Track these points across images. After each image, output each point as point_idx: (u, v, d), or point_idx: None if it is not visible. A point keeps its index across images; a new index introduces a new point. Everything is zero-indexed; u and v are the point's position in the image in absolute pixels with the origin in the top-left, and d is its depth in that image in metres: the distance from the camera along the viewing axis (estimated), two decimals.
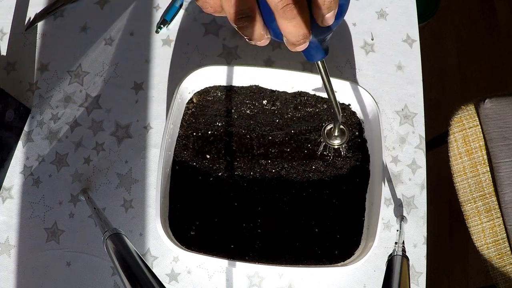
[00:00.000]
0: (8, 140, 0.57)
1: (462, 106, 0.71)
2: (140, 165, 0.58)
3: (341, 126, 0.49)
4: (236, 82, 0.57)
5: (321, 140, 0.51)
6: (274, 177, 0.55)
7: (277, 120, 0.57)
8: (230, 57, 0.63)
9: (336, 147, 0.50)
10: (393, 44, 0.64)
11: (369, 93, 0.54)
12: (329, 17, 0.29)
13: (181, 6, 0.65)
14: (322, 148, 0.54)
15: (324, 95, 0.57)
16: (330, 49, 0.64)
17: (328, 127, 0.50)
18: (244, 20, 0.28)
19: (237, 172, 0.55)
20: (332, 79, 0.55)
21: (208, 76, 0.56)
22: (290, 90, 0.58)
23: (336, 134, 0.49)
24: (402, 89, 0.62)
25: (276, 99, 0.58)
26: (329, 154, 0.55)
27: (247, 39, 0.30)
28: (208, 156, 0.55)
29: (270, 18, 0.29)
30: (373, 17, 0.65)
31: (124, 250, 0.39)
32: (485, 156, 0.70)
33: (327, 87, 0.39)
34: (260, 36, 0.30)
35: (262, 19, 0.29)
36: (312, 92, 0.58)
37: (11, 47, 0.63)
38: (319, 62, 0.36)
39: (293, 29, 0.28)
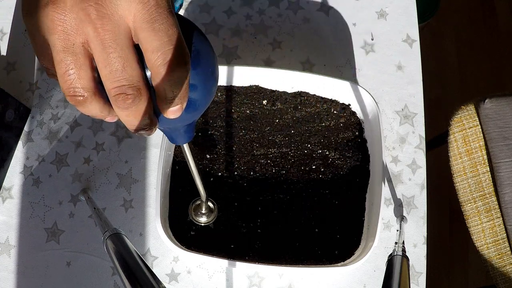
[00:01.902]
0: (8, 140, 0.57)
1: (462, 106, 0.71)
2: (140, 165, 0.58)
3: (209, 204, 0.47)
4: (236, 82, 0.57)
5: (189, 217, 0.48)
6: (274, 177, 0.55)
7: (277, 120, 0.57)
8: (230, 57, 0.63)
9: (203, 225, 0.48)
10: (393, 44, 0.64)
11: (369, 93, 0.54)
12: (174, 111, 0.27)
13: (181, 6, 0.65)
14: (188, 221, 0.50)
15: (324, 95, 0.57)
16: (330, 49, 0.64)
17: (197, 202, 0.47)
18: (78, 99, 0.25)
19: (237, 172, 0.55)
20: (332, 79, 0.55)
21: None
22: (290, 90, 0.58)
23: (203, 211, 0.47)
24: (402, 89, 0.62)
25: (276, 99, 0.58)
26: None
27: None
28: (208, 156, 0.55)
29: None
30: (373, 17, 0.65)
31: (124, 250, 0.39)
32: (485, 156, 0.70)
33: (192, 169, 0.39)
34: (103, 116, 0.27)
35: (105, 99, 0.26)
36: (312, 92, 0.58)
37: (11, 47, 0.63)
38: (183, 145, 0.35)
39: (126, 118, 0.26)
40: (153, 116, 0.27)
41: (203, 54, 0.28)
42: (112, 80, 0.24)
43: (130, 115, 0.26)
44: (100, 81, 0.25)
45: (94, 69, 0.25)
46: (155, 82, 0.25)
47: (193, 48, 0.27)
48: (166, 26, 0.24)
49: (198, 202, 0.47)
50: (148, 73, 0.25)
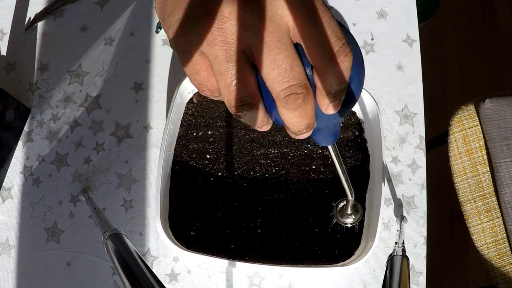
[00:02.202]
0: (8, 140, 0.57)
1: (462, 106, 0.71)
2: (140, 165, 0.58)
3: (355, 203, 0.46)
4: None
5: (333, 217, 0.49)
6: (274, 177, 0.55)
7: None
8: None
9: (349, 226, 0.48)
10: (393, 44, 0.64)
11: (369, 93, 0.54)
12: (335, 106, 0.26)
13: None
14: (333, 225, 0.51)
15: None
16: None
17: (341, 204, 0.47)
18: (244, 108, 0.25)
19: (237, 172, 0.55)
20: None
21: None
22: None
23: (349, 212, 0.47)
24: (402, 89, 0.62)
25: None
26: (341, 230, 0.52)
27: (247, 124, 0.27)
28: (208, 156, 0.55)
29: (272, 105, 0.26)
30: (373, 17, 0.65)
31: (124, 250, 0.39)
32: (485, 156, 0.70)
33: (339, 169, 0.37)
34: (262, 124, 0.27)
35: (264, 105, 0.26)
36: None
37: (11, 47, 0.63)
38: (329, 146, 0.33)
39: (295, 119, 0.25)
40: (314, 115, 0.26)
41: (352, 43, 0.27)
42: (282, 82, 0.24)
43: (299, 115, 0.25)
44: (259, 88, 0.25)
45: (255, 76, 0.25)
46: (321, 76, 0.24)
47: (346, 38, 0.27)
48: (327, 19, 0.24)
49: (343, 203, 0.47)
50: (308, 71, 0.25)
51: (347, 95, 0.27)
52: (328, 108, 0.26)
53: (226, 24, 0.23)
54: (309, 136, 0.28)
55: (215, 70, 0.24)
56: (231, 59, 0.23)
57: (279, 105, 0.25)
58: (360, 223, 0.53)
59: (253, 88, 0.25)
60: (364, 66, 0.29)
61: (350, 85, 0.27)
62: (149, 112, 0.60)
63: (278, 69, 0.23)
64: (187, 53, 0.25)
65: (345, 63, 0.24)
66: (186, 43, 0.24)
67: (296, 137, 0.27)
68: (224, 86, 0.24)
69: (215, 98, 0.27)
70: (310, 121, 0.26)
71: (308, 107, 0.25)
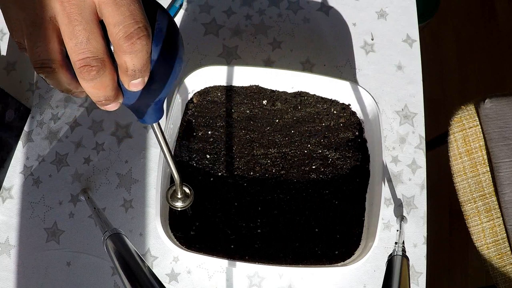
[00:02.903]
0: (8, 140, 0.57)
1: (462, 106, 0.71)
2: (140, 165, 0.58)
3: (184, 188, 0.45)
4: (236, 82, 0.57)
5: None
6: (274, 177, 0.55)
7: (277, 120, 0.57)
8: (230, 57, 0.63)
9: (179, 209, 0.46)
10: (393, 44, 0.64)
11: (369, 93, 0.54)
12: (136, 84, 0.27)
13: (181, 6, 0.65)
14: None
15: (324, 95, 0.57)
16: (330, 49, 0.64)
17: (173, 188, 0.45)
18: (44, 71, 0.26)
19: (237, 172, 0.55)
20: (332, 79, 0.55)
21: (208, 76, 0.56)
22: (290, 90, 0.58)
23: (179, 196, 0.45)
24: (402, 89, 0.62)
25: (276, 99, 0.58)
26: None
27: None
28: (208, 156, 0.55)
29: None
30: (373, 17, 0.65)
31: (124, 250, 0.39)
32: (485, 156, 0.70)
33: (164, 150, 0.38)
34: (67, 90, 0.28)
35: (71, 72, 0.27)
36: (312, 92, 0.58)
37: (11, 47, 0.63)
38: (153, 124, 0.34)
39: (92, 90, 0.27)
40: (117, 89, 0.28)
41: (167, 32, 0.29)
42: (77, 52, 0.25)
43: (95, 87, 0.27)
44: (67, 56, 0.26)
45: (61, 43, 0.26)
46: (116, 55, 0.26)
47: (157, 26, 0.28)
48: (128, 1, 0.26)
49: (174, 188, 0.45)
50: (113, 48, 0.27)
51: (152, 78, 0.28)
52: (130, 86, 0.28)
53: None
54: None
55: (24, 32, 0.26)
56: (36, 24, 0.26)
57: (77, 74, 0.26)
58: (360, 223, 0.53)
59: (55, 53, 0.26)
60: (179, 55, 0.30)
61: (156, 68, 0.28)
62: None
63: (75, 40, 0.25)
64: (5, 12, 0.27)
65: (136, 46, 0.26)
66: (4, 3, 0.27)
67: (102, 108, 0.29)
68: (29, 48, 0.26)
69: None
70: (109, 93, 0.28)
71: (104, 80, 0.27)
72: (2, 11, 0.27)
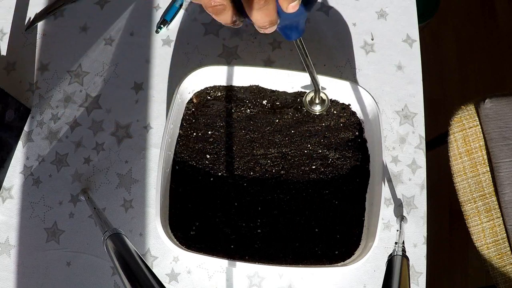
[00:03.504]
0: (8, 140, 0.57)
1: (462, 106, 0.71)
2: (140, 165, 0.58)
3: (321, 95, 0.52)
4: (236, 82, 0.57)
5: (303, 108, 0.55)
6: (274, 177, 0.55)
7: (277, 120, 0.57)
8: (230, 57, 0.63)
9: (317, 113, 0.53)
10: (393, 44, 0.64)
11: (369, 93, 0.54)
12: (293, 6, 0.32)
13: (181, 6, 0.65)
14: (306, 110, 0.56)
15: (324, 95, 0.57)
16: (330, 49, 0.64)
17: (310, 96, 0.53)
18: (217, 9, 0.32)
19: (237, 172, 0.55)
20: (332, 79, 0.55)
21: (208, 76, 0.56)
22: (290, 90, 0.58)
23: (317, 101, 0.52)
24: (402, 89, 0.62)
25: (276, 99, 0.58)
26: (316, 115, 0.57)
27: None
28: (208, 156, 0.55)
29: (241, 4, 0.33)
30: (373, 17, 0.65)
31: (124, 250, 0.39)
32: (485, 156, 0.70)
33: (306, 62, 0.44)
34: (232, 21, 0.33)
35: (235, 5, 0.32)
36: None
37: (11, 47, 0.63)
38: (296, 40, 0.41)
39: (259, 17, 0.32)
40: (277, 14, 0.33)
41: None
42: None
43: (263, 14, 0.32)
44: None
45: None
46: None
47: None
48: None
49: (311, 94, 0.52)
50: None
51: None
52: (288, 8, 0.32)
53: None
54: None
55: None
56: None
57: (247, 6, 0.31)
58: (360, 223, 0.53)
59: None
60: None
61: None
62: (149, 112, 0.60)
63: None
64: None
65: None
66: None
67: (262, 31, 0.34)
68: None
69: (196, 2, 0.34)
70: (272, 18, 0.33)
71: (269, 7, 0.32)
72: None
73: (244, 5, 0.32)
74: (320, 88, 0.49)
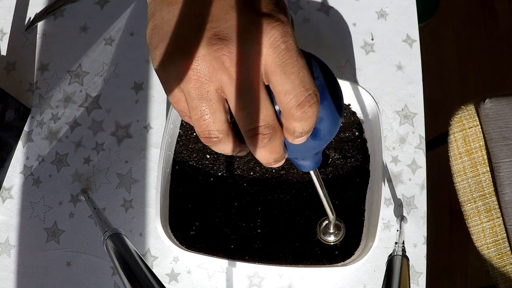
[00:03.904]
0: (8, 140, 0.57)
1: (462, 106, 0.71)
2: (140, 165, 0.58)
3: (337, 222, 0.48)
4: None
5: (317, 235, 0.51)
6: (274, 177, 0.55)
7: None
8: None
9: (331, 244, 0.50)
10: (393, 44, 0.64)
11: (369, 93, 0.54)
12: (299, 140, 0.28)
13: None
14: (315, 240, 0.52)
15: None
16: (330, 49, 0.64)
17: (324, 223, 0.49)
18: (212, 141, 0.27)
19: (237, 172, 0.55)
20: None
21: None
22: None
23: (331, 231, 0.49)
24: (402, 89, 0.62)
25: None
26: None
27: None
28: (208, 156, 0.55)
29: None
30: (373, 17, 0.65)
31: (124, 250, 0.39)
32: (485, 156, 0.70)
33: (321, 193, 0.40)
34: (232, 152, 0.29)
35: (236, 136, 0.28)
36: None
37: (11, 47, 0.63)
38: (311, 171, 0.36)
39: (263, 155, 0.27)
40: (284, 148, 0.29)
41: (329, 87, 0.28)
42: (249, 122, 0.26)
43: (266, 151, 0.27)
44: (233, 121, 0.27)
45: (227, 112, 0.27)
46: (286, 121, 0.26)
47: (319, 83, 0.28)
48: (297, 69, 0.25)
49: (326, 222, 0.49)
50: (277, 108, 0.27)
51: (316, 132, 0.29)
52: (294, 141, 0.28)
53: (201, 65, 0.25)
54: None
55: (188, 105, 0.26)
56: (203, 97, 0.25)
57: (248, 142, 0.27)
58: (360, 223, 0.53)
59: (222, 124, 0.27)
60: (340, 107, 0.30)
61: (320, 124, 0.29)
62: (149, 112, 0.60)
63: (247, 110, 0.26)
64: (168, 85, 0.27)
65: (308, 113, 0.26)
66: (166, 77, 0.26)
67: (269, 166, 0.29)
68: (195, 120, 0.26)
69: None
70: (278, 155, 0.28)
71: (274, 145, 0.27)
72: (163, 85, 0.27)
73: (246, 141, 0.27)
74: (333, 218, 0.46)
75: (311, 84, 0.26)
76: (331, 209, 0.44)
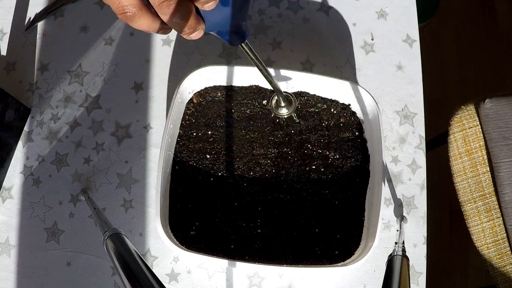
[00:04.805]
0: (8, 140, 0.57)
1: (462, 106, 0.71)
2: (140, 165, 0.58)
3: (286, 94, 0.49)
4: (236, 82, 0.57)
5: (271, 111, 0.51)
6: (274, 177, 0.55)
7: (277, 120, 0.57)
8: (230, 57, 0.63)
9: (285, 116, 0.51)
10: (393, 44, 0.64)
11: (369, 93, 0.54)
12: (209, 6, 0.30)
13: None
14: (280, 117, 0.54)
15: (324, 95, 0.57)
16: (330, 49, 0.64)
17: (275, 98, 0.50)
18: (127, 16, 0.29)
19: (237, 172, 0.55)
20: (332, 79, 0.55)
21: (208, 76, 0.56)
22: (290, 90, 0.58)
23: (282, 104, 0.50)
24: (402, 89, 0.62)
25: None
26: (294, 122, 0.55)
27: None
28: (208, 156, 0.55)
29: None
30: (373, 17, 0.65)
31: (124, 250, 0.39)
32: (485, 156, 0.70)
33: (259, 66, 0.40)
34: (154, 29, 0.30)
35: (151, 11, 0.29)
36: (312, 92, 0.58)
37: (11, 47, 0.63)
38: (242, 45, 0.37)
39: (173, 22, 0.29)
40: (197, 17, 0.31)
41: None
42: None
43: (177, 18, 0.29)
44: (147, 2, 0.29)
45: None
46: None
47: None
48: None
49: (276, 97, 0.49)
50: None
51: None
52: (205, 7, 0.30)
53: None
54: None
55: None
56: None
57: (158, 12, 0.29)
58: (360, 223, 0.53)
59: None
60: None
61: None
62: (149, 112, 0.60)
63: None
64: None
65: None
66: None
67: (188, 38, 0.32)
68: None
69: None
70: (190, 22, 0.30)
71: (183, 10, 0.29)
72: None
73: (155, 9, 0.29)
74: (280, 89, 0.47)
75: None
76: (273, 83, 0.44)
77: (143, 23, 0.29)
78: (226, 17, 0.33)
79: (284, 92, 0.49)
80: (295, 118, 0.55)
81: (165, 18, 0.29)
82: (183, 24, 0.30)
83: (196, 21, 0.31)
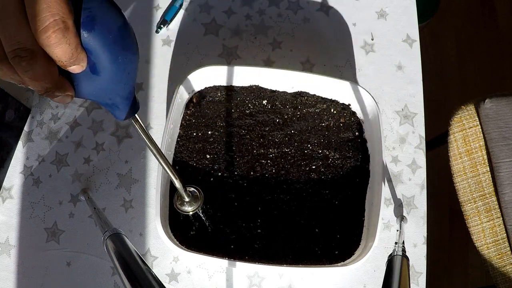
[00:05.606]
0: (8, 140, 0.57)
1: (462, 106, 0.71)
2: (140, 165, 0.58)
3: (190, 190, 0.43)
4: (236, 82, 0.57)
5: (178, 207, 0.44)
6: (274, 177, 0.55)
7: (277, 120, 0.57)
8: (230, 57, 0.63)
9: (191, 213, 0.43)
10: (393, 44, 0.64)
11: (369, 93, 0.54)
12: (73, 69, 0.27)
13: (181, 6, 0.65)
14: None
15: (324, 95, 0.57)
16: (330, 49, 0.64)
17: (177, 195, 0.43)
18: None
19: (237, 172, 0.55)
20: (332, 79, 0.55)
21: (208, 76, 0.56)
22: (290, 90, 0.58)
23: (186, 200, 0.42)
24: (402, 89, 0.62)
25: (276, 99, 0.58)
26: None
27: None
28: (208, 156, 0.55)
29: None
30: (373, 17, 0.65)
31: (124, 250, 0.39)
32: (485, 156, 0.70)
33: (150, 147, 0.35)
34: (15, 80, 0.28)
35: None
36: (312, 92, 0.58)
37: None
38: (131, 120, 0.33)
39: (28, 80, 0.27)
40: (58, 80, 0.28)
41: (101, 19, 0.27)
42: (8, 45, 0.26)
43: (31, 77, 0.27)
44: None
45: None
46: (42, 47, 0.26)
47: (88, 13, 0.27)
48: None
49: (179, 192, 0.42)
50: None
51: (94, 67, 0.28)
52: (69, 69, 0.27)
53: None
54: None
55: None
56: None
57: (14, 67, 0.26)
58: (360, 223, 0.53)
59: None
60: (121, 43, 0.28)
61: (95, 57, 0.28)
62: (149, 112, 0.60)
63: (5, 33, 0.26)
64: None
65: (51, 39, 0.25)
66: None
67: (54, 100, 0.29)
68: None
69: None
70: (48, 84, 0.27)
71: (37, 70, 0.26)
72: None
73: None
74: (181, 185, 0.39)
75: (59, 9, 0.25)
76: (172, 172, 0.38)
77: (4, 75, 0.27)
78: (100, 87, 0.29)
79: (189, 186, 0.42)
80: (202, 216, 0.48)
81: (21, 75, 0.26)
82: (38, 85, 0.27)
83: (57, 84, 0.28)
